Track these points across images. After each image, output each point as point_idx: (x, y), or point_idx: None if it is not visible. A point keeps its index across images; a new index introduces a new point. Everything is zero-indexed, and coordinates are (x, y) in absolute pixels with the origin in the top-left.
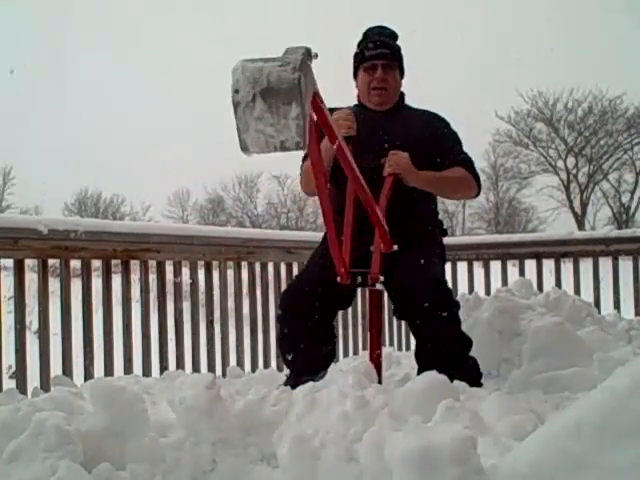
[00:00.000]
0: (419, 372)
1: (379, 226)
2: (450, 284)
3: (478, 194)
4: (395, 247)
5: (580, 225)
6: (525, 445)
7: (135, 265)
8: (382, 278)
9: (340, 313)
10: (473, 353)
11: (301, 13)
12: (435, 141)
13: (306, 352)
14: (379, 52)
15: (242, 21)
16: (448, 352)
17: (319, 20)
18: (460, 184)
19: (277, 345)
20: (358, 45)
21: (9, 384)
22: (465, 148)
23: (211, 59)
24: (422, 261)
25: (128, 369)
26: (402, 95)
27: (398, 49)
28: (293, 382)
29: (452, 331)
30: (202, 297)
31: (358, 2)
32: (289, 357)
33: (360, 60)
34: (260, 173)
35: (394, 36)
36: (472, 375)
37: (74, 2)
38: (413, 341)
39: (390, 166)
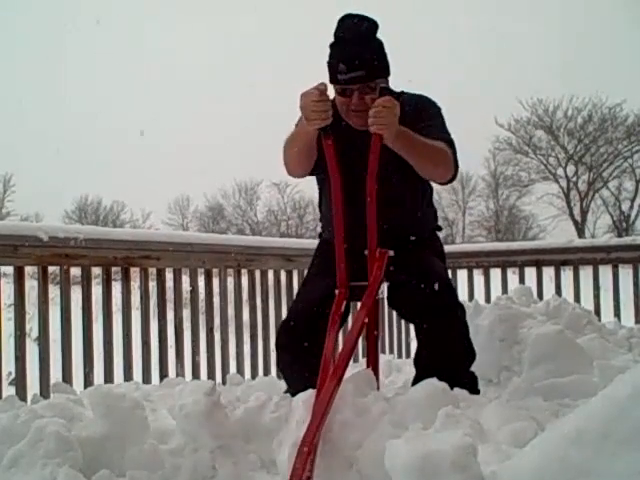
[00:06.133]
0: (416, 374)
1: (371, 225)
2: None
3: (452, 180)
4: (391, 252)
5: (580, 233)
6: (525, 453)
7: (135, 272)
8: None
9: None
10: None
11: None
12: (417, 119)
13: (309, 379)
14: (352, 76)
15: (240, 22)
16: (450, 356)
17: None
18: (440, 158)
19: (277, 370)
20: (331, 46)
21: (9, 391)
22: (449, 131)
23: (211, 60)
24: (427, 260)
25: (128, 376)
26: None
27: (377, 58)
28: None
29: (460, 334)
30: (202, 304)
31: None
32: (291, 381)
33: (332, 79)
34: (260, 181)
35: (371, 33)
36: (469, 384)
37: (75, 1)
38: (413, 348)
39: (379, 124)
